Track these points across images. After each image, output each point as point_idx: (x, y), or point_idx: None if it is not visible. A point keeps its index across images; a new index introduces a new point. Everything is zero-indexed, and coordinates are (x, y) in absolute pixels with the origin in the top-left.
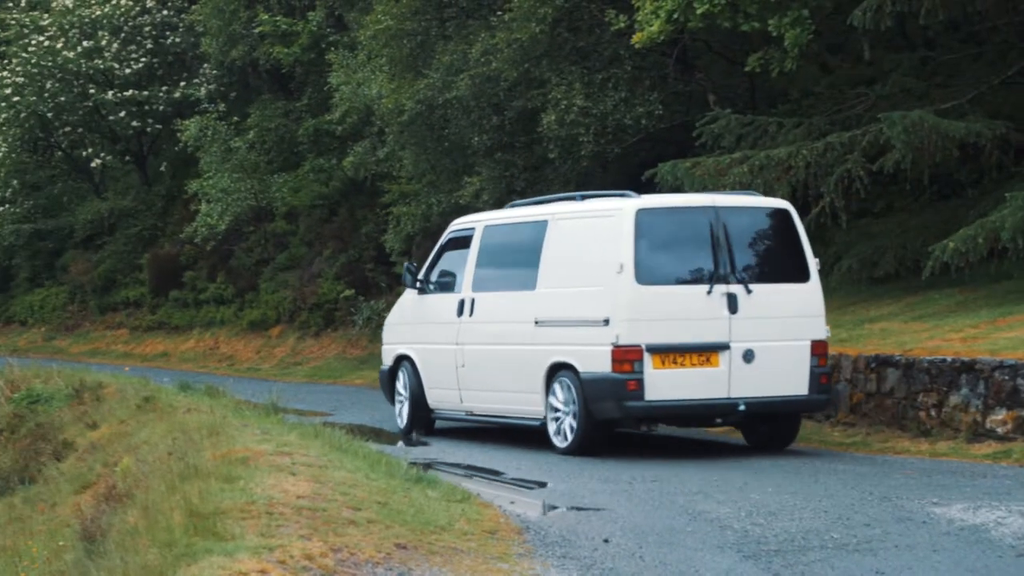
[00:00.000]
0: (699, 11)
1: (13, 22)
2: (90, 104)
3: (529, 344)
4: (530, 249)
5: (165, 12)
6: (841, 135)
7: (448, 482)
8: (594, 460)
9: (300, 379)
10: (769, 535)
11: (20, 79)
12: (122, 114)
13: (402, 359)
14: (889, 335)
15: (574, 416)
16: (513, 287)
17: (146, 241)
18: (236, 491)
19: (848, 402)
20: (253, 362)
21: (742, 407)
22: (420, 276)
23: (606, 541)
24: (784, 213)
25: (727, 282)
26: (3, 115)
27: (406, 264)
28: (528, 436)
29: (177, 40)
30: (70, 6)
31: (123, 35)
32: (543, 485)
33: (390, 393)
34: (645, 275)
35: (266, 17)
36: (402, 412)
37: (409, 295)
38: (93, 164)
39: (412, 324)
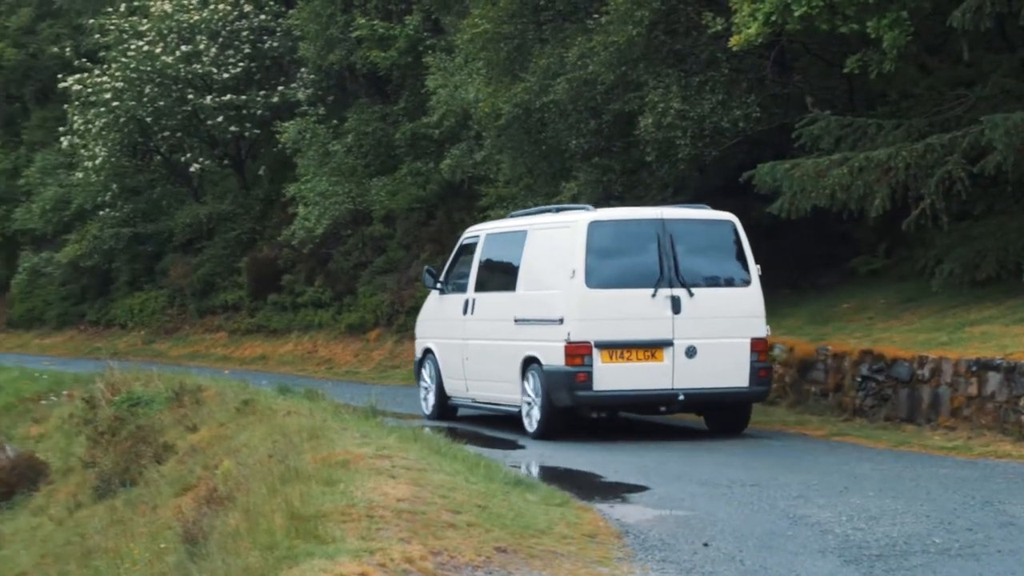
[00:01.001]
0: (797, 13)
1: (112, 27)
2: (188, 109)
3: (510, 340)
4: (514, 255)
5: (263, 17)
6: (941, 137)
7: (547, 485)
8: (693, 464)
9: (398, 382)
10: (870, 540)
11: (120, 84)
12: (220, 119)
13: (427, 352)
14: (990, 339)
15: (538, 404)
16: (501, 289)
17: (244, 245)
18: (336, 494)
19: (949, 406)
20: (351, 365)
21: (682, 397)
22: (440, 278)
23: (706, 545)
24: (729, 224)
25: (671, 286)
26: (103, 120)
27: (427, 268)
28: (626, 439)
29: (275, 44)
30: (169, 11)
31: (221, 40)
32: (643, 489)
33: (418, 380)
34: (594, 279)
35: (363, 21)
36: (427, 399)
37: (434, 295)
38: (192, 169)
39: (434, 321)
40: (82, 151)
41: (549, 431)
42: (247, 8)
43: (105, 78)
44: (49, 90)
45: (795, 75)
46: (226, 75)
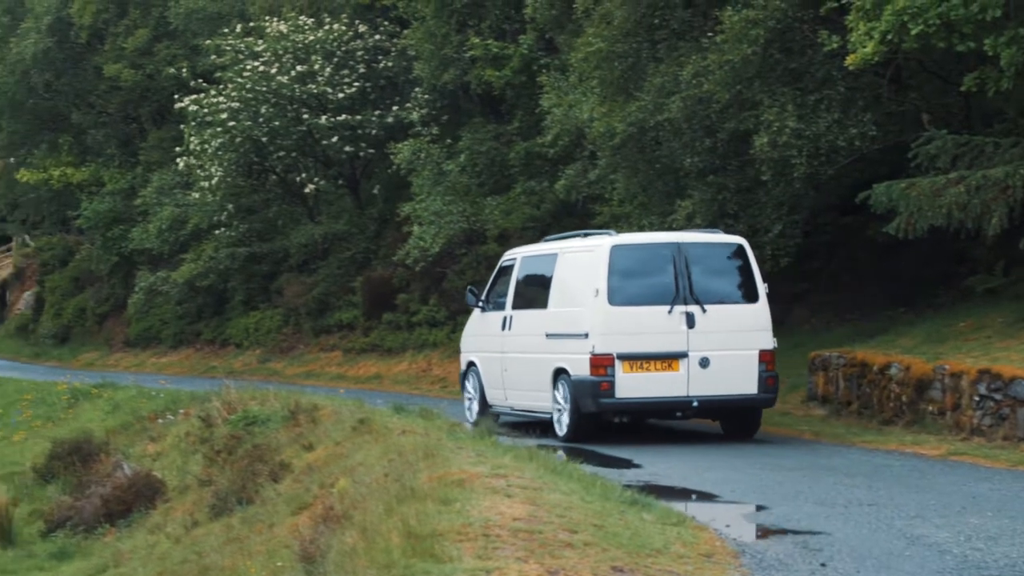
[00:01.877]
0: (913, 32)
1: (229, 48)
2: (304, 128)
3: (542, 353)
4: (546, 276)
5: (377, 37)
6: None
7: (663, 505)
8: (810, 483)
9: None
10: (989, 560)
11: (235, 104)
12: (335, 139)
13: (471, 365)
14: None
15: (567, 411)
16: (534, 306)
17: (359, 264)
18: (453, 513)
19: None
20: None
21: (696, 403)
22: (482, 297)
23: (823, 565)
24: (739, 247)
25: (686, 303)
26: (219, 140)
27: (469, 287)
28: (744, 460)
29: (389, 64)
30: (284, 32)
31: (336, 60)
32: (761, 508)
33: (463, 391)
34: (617, 298)
35: (477, 41)
36: (471, 407)
37: (476, 313)
38: (307, 189)
39: (476, 336)
40: (198, 171)
41: (577, 435)
42: (362, 28)
43: (221, 98)
44: (166, 111)
45: (911, 93)
46: (341, 95)
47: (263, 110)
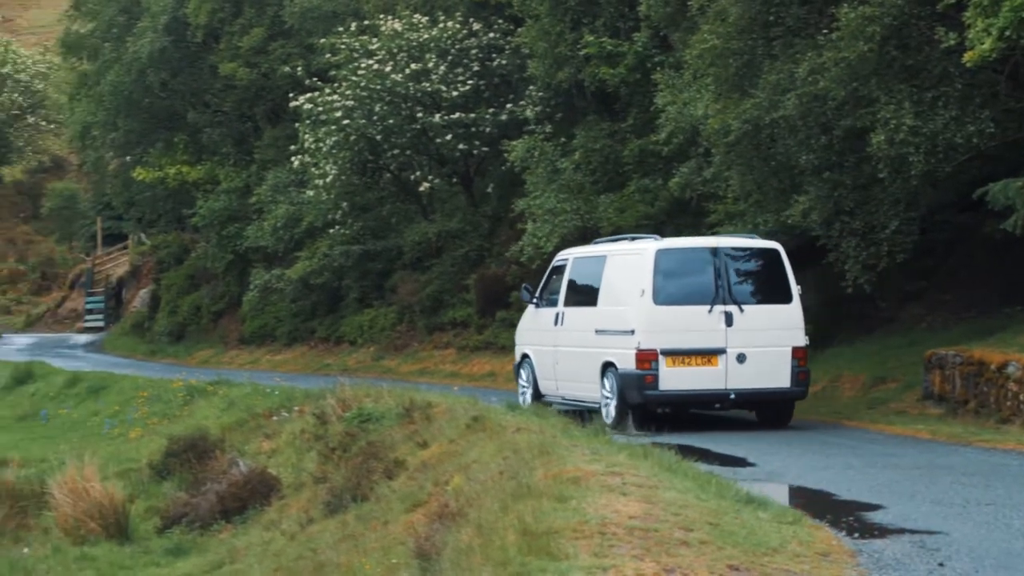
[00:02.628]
0: None
1: (343, 47)
2: (418, 127)
3: (592, 347)
4: (596, 276)
5: (491, 35)
6: None
7: (779, 503)
8: (927, 482)
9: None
10: None
11: (350, 103)
12: (449, 136)
13: (525, 357)
14: None
15: (614, 401)
16: (585, 304)
17: (472, 262)
18: (568, 511)
19: None
20: None
21: (732, 396)
22: (536, 295)
23: (941, 565)
24: (774, 252)
25: (724, 303)
26: (333, 138)
27: (524, 285)
28: (860, 458)
29: (503, 63)
30: (399, 30)
31: (450, 58)
32: (877, 507)
33: (517, 380)
34: (660, 298)
35: (591, 39)
36: (525, 397)
37: (530, 309)
38: (421, 187)
39: (530, 330)
40: (313, 169)
41: (622, 423)
42: (476, 27)
43: (336, 97)
44: (280, 109)
45: None
46: (455, 93)
47: (377, 108)
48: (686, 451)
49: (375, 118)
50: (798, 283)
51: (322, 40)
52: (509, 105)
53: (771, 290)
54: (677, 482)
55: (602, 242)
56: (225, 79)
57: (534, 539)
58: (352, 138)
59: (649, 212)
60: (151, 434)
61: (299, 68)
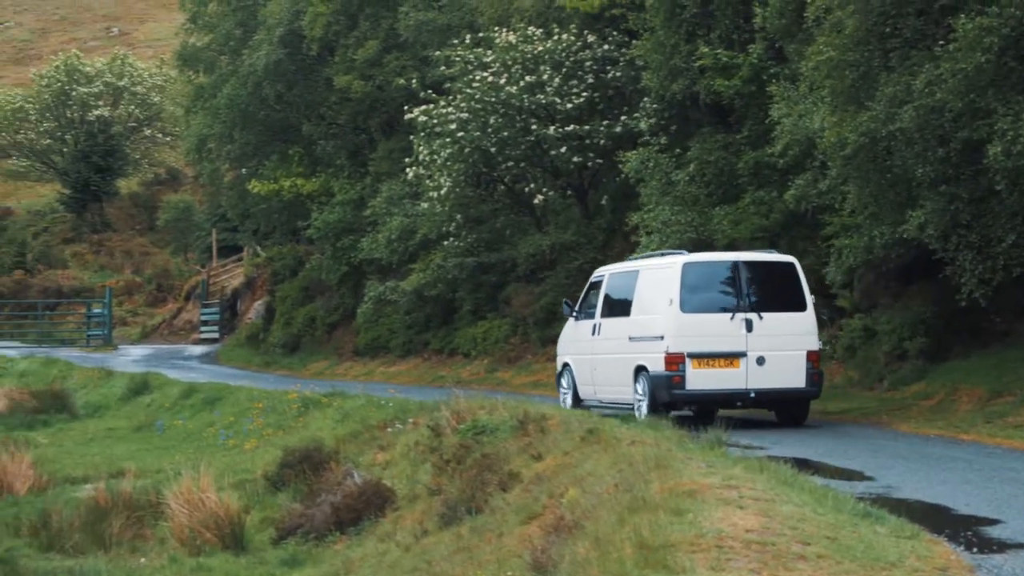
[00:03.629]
0: None
1: (458, 59)
2: (532, 139)
3: (626, 353)
4: (629, 289)
5: (606, 47)
6: None
7: (896, 517)
8: None
9: (737, 412)
10: None
11: (464, 115)
12: (563, 149)
13: (565, 365)
14: None
15: (646, 401)
16: (620, 314)
17: (587, 274)
18: (685, 524)
19: None
20: None
21: (752, 395)
22: (575, 308)
23: None
24: (789, 265)
25: (745, 311)
26: (448, 150)
27: (565, 300)
28: (978, 473)
29: (618, 74)
30: (513, 42)
31: (564, 70)
32: (995, 522)
33: (559, 387)
34: (687, 306)
35: (706, 51)
36: (566, 400)
37: (570, 321)
38: (535, 200)
39: (571, 341)
40: (427, 181)
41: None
42: (591, 39)
43: (450, 109)
44: (395, 121)
45: None
46: (569, 105)
47: (492, 121)
48: (801, 464)
49: (489, 130)
50: (915, 294)
51: (437, 52)
52: (623, 117)
53: (788, 299)
54: (794, 496)
55: (634, 259)
56: (340, 92)
57: (651, 552)
58: (466, 150)
59: (764, 224)
60: (266, 445)
61: (414, 80)
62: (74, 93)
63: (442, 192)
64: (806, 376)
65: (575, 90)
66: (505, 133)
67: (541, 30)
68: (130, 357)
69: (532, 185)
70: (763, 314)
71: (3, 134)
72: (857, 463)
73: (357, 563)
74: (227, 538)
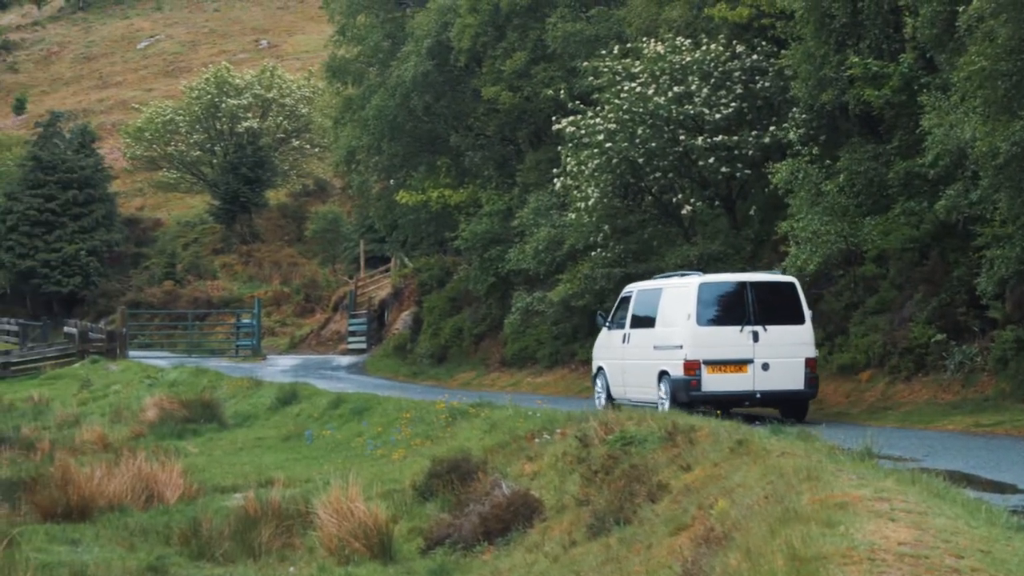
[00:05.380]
0: None
1: (606, 69)
2: (680, 149)
3: (651, 359)
4: (654, 304)
5: (754, 57)
6: None
7: None
8: None
9: (890, 424)
10: None
11: (612, 125)
12: (711, 159)
13: (600, 368)
14: None
15: (667, 401)
16: (646, 326)
17: None
18: (837, 536)
19: None
20: (842, 406)
21: (758, 396)
22: (608, 320)
23: None
24: (790, 284)
25: (752, 324)
26: (596, 161)
27: (599, 312)
28: None
29: (766, 85)
30: (661, 53)
31: (713, 80)
32: None
33: (594, 388)
34: (703, 320)
35: (856, 60)
36: (600, 399)
37: (604, 331)
38: (683, 211)
39: (604, 348)
40: (575, 192)
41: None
42: (739, 49)
43: (598, 120)
44: (542, 132)
45: None
46: (717, 116)
47: (640, 131)
48: (953, 477)
49: (637, 141)
50: None
51: (585, 63)
52: (772, 127)
53: (788, 314)
54: (946, 508)
55: (659, 278)
56: (487, 103)
57: (803, 564)
58: (614, 161)
59: (914, 235)
60: (414, 455)
61: (561, 91)
62: (223, 105)
63: (590, 203)
64: (804, 380)
65: (723, 100)
66: (653, 144)
67: (689, 40)
68: (278, 367)
69: (680, 196)
70: (767, 327)
71: (154, 146)
72: (1010, 476)
73: (505, 574)
74: (375, 548)
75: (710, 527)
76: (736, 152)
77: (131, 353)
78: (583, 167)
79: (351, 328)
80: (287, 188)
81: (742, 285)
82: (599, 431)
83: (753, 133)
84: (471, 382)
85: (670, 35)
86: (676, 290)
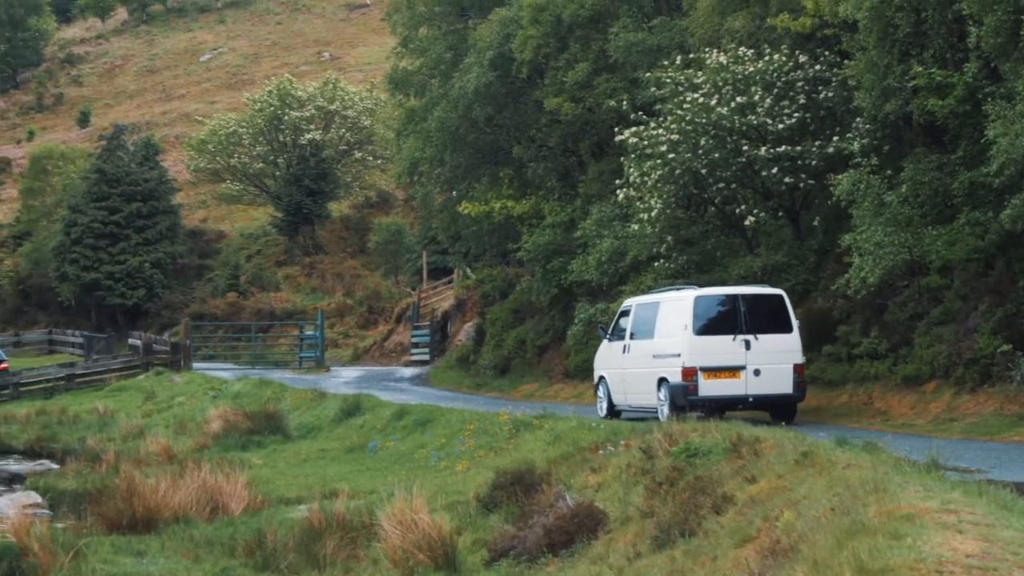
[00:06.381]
0: None
1: (668, 80)
2: (743, 160)
3: (651, 368)
4: (652, 317)
5: (817, 67)
6: None
7: None
8: None
9: (956, 435)
10: None
11: (675, 136)
12: (774, 170)
13: (601, 378)
14: None
15: (667, 405)
16: (645, 337)
17: (798, 295)
18: (904, 548)
19: None
20: (907, 417)
21: (751, 399)
22: (609, 332)
23: None
24: (779, 296)
25: (744, 333)
26: (658, 172)
27: (600, 325)
28: None
29: (830, 95)
30: (724, 63)
31: (776, 91)
32: None
33: (596, 396)
34: (698, 330)
35: (920, 70)
36: (601, 407)
37: (605, 342)
38: (746, 222)
39: (605, 358)
40: (637, 203)
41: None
42: (802, 59)
43: (661, 130)
44: (605, 143)
45: None
46: (780, 126)
47: (702, 142)
48: (1020, 488)
49: (700, 151)
50: None
51: (647, 74)
52: (835, 138)
53: (777, 324)
54: (1014, 520)
55: (656, 292)
56: (550, 114)
57: None
58: (677, 172)
59: (979, 245)
60: (478, 467)
61: (624, 102)
62: (286, 117)
63: (652, 214)
64: (793, 384)
65: (786, 111)
66: (716, 154)
67: (752, 51)
68: (342, 379)
69: (743, 206)
70: (758, 336)
71: (217, 158)
72: None
73: None
74: (439, 559)
75: (776, 539)
76: (799, 162)
77: (195, 365)
78: (646, 178)
79: (414, 340)
80: (350, 200)
81: (734, 298)
82: (663, 443)
83: (816, 143)
84: (534, 393)
85: (733, 45)
86: (673, 303)
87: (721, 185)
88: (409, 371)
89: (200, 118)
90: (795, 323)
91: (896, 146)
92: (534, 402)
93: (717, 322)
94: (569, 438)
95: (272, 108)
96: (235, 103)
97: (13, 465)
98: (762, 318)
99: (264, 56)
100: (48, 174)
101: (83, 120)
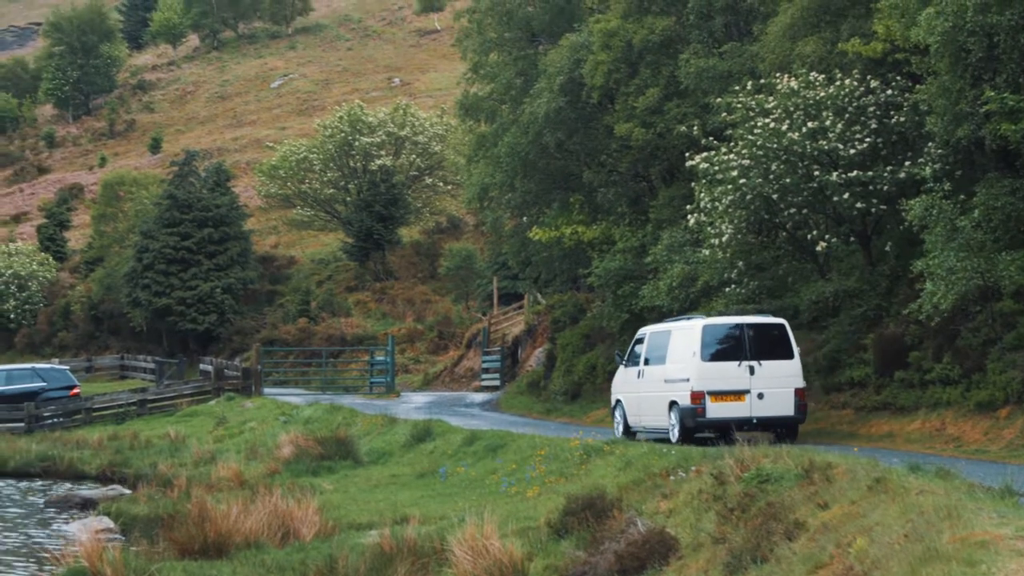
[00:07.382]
0: None
1: (739, 105)
2: (814, 185)
3: (662, 392)
4: (664, 344)
5: (889, 92)
6: None
7: None
8: None
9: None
10: None
11: (746, 161)
12: (846, 195)
13: (618, 401)
14: None
15: (677, 427)
16: (658, 363)
17: (870, 321)
18: (978, 575)
19: None
20: (980, 444)
21: (755, 421)
22: (625, 359)
23: None
24: (781, 325)
25: (748, 359)
26: (729, 197)
27: (616, 351)
28: None
29: (901, 120)
30: (795, 88)
31: (847, 116)
32: None
33: (613, 418)
34: (706, 356)
35: (992, 95)
36: (618, 429)
37: (621, 368)
38: (818, 247)
39: (621, 382)
40: (708, 228)
41: (684, 440)
42: (873, 84)
43: (731, 156)
44: (675, 169)
45: None
46: (852, 151)
47: (773, 167)
48: None
49: (771, 177)
50: None
51: (718, 99)
52: (907, 163)
53: (779, 350)
54: None
55: (668, 321)
56: (620, 139)
57: None
58: (748, 197)
59: None
60: (548, 493)
61: (695, 128)
62: (356, 143)
63: (723, 239)
64: (795, 407)
65: (858, 136)
66: (787, 180)
67: (823, 76)
68: (412, 404)
69: (815, 232)
70: (762, 362)
71: (288, 184)
72: None
73: None
74: None
75: (849, 566)
76: (871, 188)
77: (266, 390)
78: (717, 203)
79: (484, 365)
80: (420, 225)
81: (739, 326)
82: (735, 469)
83: (888, 168)
84: (605, 419)
85: (803, 70)
86: (683, 331)
87: (792, 210)
88: (479, 396)
89: (271, 144)
90: (796, 349)
91: (968, 171)
92: (605, 428)
93: (724, 349)
94: (640, 464)
95: (343, 134)
96: (306, 129)
97: (86, 490)
98: (765, 345)
99: (334, 82)
100: (120, 200)
101: (155, 146)
